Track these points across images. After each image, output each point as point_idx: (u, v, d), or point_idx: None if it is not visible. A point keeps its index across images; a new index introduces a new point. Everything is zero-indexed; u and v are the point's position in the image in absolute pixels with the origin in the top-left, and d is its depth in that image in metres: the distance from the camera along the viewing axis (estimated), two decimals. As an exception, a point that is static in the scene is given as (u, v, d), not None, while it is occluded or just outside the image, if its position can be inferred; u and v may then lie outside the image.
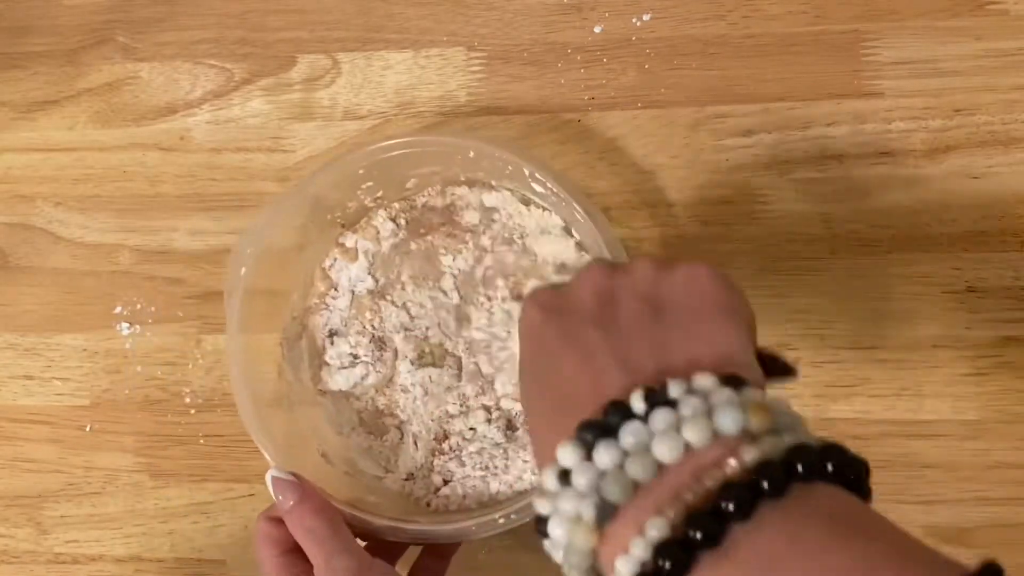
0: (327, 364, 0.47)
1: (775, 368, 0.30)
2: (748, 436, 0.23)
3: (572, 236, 0.46)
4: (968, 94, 0.46)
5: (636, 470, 0.23)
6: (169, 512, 0.50)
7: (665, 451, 0.23)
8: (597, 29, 0.49)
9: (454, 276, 0.46)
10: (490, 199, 0.47)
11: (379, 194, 0.47)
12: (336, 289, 0.47)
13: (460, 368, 0.46)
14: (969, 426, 0.44)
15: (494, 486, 0.44)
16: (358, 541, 0.38)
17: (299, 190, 0.44)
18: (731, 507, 0.21)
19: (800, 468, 0.22)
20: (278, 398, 0.45)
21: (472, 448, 0.45)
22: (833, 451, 0.23)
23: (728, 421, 0.23)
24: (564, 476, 0.25)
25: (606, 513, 0.23)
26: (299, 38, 0.52)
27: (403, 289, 0.47)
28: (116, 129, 0.53)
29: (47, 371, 0.52)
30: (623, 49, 0.49)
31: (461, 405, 0.45)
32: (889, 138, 0.46)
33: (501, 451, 0.44)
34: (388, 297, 0.47)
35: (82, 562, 0.50)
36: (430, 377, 0.45)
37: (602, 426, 0.25)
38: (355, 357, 0.46)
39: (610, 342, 0.28)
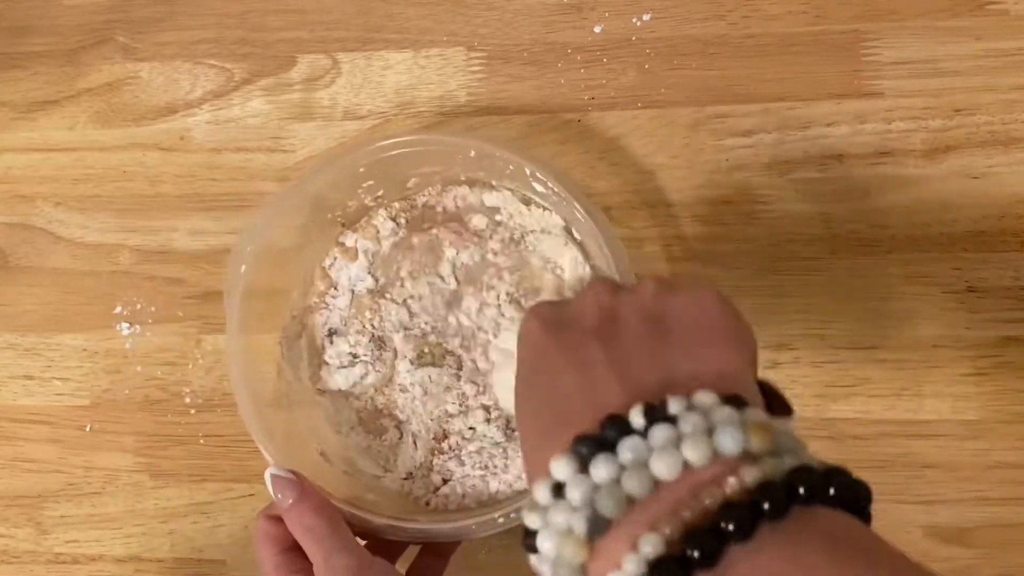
0: (326, 363, 0.47)
1: (773, 403, 0.30)
2: (748, 457, 0.23)
3: (573, 237, 0.46)
4: (968, 94, 0.46)
5: (632, 485, 0.23)
6: (169, 512, 0.50)
7: (663, 467, 0.23)
8: (597, 29, 0.49)
9: (453, 264, 0.46)
10: (491, 199, 0.47)
11: (379, 193, 0.47)
12: (336, 288, 0.47)
13: (460, 367, 0.46)
14: (969, 426, 0.44)
15: (493, 485, 0.44)
16: (357, 540, 0.38)
17: (299, 189, 0.44)
18: (731, 527, 0.21)
19: (802, 490, 0.22)
20: (277, 397, 0.45)
21: (471, 447, 0.45)
22: (835, 474, 0.23)
23: (729, 440, 0.23)
24: (557, 490, 0.24)
25: (598, 527, 0.23)
26: (299, 38, 0.52)
27: (402, 286, 0.47)
28: (116, 129, 0.53)
29: (47, 371, 0.52)
30: (623, 49, 0.49)
31: (460, 404, 0.45)
32: (889, 138, 0.46)
33: (500, 450, 0.44)
34: (388, 295, 0.47)
35: (82, 562, 0.50)
36: (429, 377, 0.45)
37: (599, 440, 0.24)
38: (354, 356, 0.46)
39: (610, 357, 0.28)
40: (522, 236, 0.47)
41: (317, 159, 0.51)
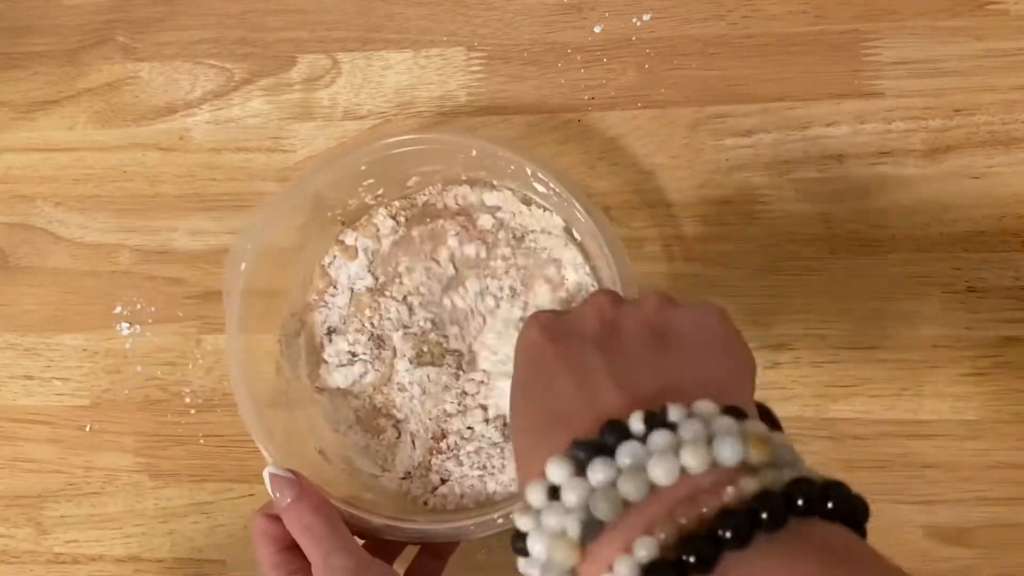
0: (325, 362, 0.47)
1: (764, 422, 0.30)
2: (747, 468, 0.23)
3: (573, 237, 0.46)
4: (968, 94, 0.46)
5: (628, 489, 0.23)
6: (169, 512, 0.50)
7: (661, 473, 0.23)
8: (597, 29, 0.49)
9: (453, 252, 0.46)
10: (491, 198, 0.47)
11: (380, 192, 0.47)
12: (335, 287, 0.47)
13: (459, 366, 0.46)
14: (969, 426, 0.44)
15: (491, 486, 0.44)
16: (356, 539, 0.38)
17: (300, 188, 0.44)
18: (728, 534, 0.21)
19: (800, 502, 0.22)
20: (276, 395, 0.45)
21: (470, 447, 0.45)
22: (834, 488, 0.22)
23: (728, 450, 0.23)
24: (551, 492, 0.24)
25: (592, 531, 0.23)
26: (299, 38, 0.52)
27: (401, 282, 0.47)
28: (116, 129, 0.53)
29: (47, 371, 0.52)
30: (623, 49, 0.49)
31: (459, 404, 0.45)
32: (889, 138, 0.46)
33: (498, 451, 0.44)
34: (387, 293, 0.47)
35: (82, 562, 0.50)
36: (428, 376, 0.45)
37: (597, 445, 0.24)
38: (353, 355, 0.46)
39: (610, 365, 0.28)
40: (523, 236, 0.47)
41: (317, 159, 0.51)
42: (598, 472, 0.24)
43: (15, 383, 0.52)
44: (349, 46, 0.52)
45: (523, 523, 0.25)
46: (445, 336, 0.46)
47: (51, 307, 0.52)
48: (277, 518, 0.38)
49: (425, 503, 0.44)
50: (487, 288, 0.46)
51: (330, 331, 0.47)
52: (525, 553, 0.25)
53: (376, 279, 0.47)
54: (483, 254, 0.46)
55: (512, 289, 0.45)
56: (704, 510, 0.22)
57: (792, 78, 0.47)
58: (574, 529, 0.23)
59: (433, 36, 0.51)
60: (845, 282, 0.46)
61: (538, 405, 0.29)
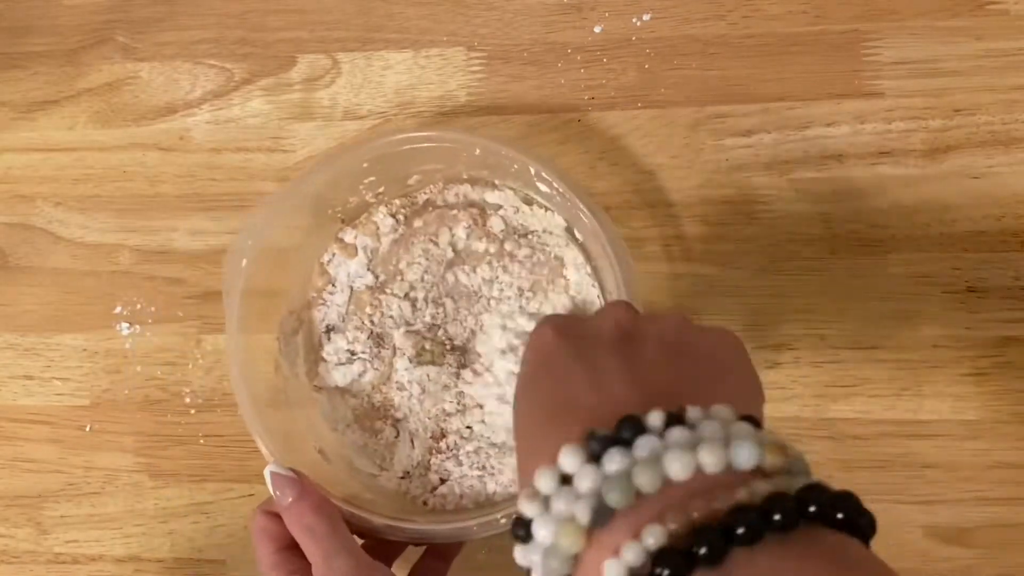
0: (324, 360, 0.47)
1: None
2: (761, 472, 0.23)
3: (575, 237, 0.46)
4: (968, 94, 0.46)
5: (642, 480, 0.23)
6: (169, 512, 0.50)
7: (677, 467, 0.23)
8: (597, 29, 0.49)
9: (453, 235, 0.46)
10: (492, 197, 0.47)
11: (380, 190, 0.47)
12: (333, 285, 0.47)
13: (460, 366, 0.46)
14: (969, 426, 0.44)
15: (491, 486, 0.44)
16: (356, 539, 0.38)
17: (301, 185, 0.44)
18: (740, 530, 0.21)
19: (812, 508, 0.22)
20: (275, 394, 0.45)
21: (469, 447, 0.45)
22: (846, 499, 0.22)
23: (745, 453, 0.23)
24: (562, 481, 0.24)
25: (602, 517, 0.23)
26: (299, 38, 0.52)
27: (403, 279, 0.47)
28: (116, 129, 0.53)
29: (47, 371, 0.52)
30: (623, 49, 0.49)
31: (458, 403, 0.45)
32: (889, 138, 0.46)
33: (496, 450, 0.44)
34: (388, 290, 0.47)
35: (82, 562, 0.50)
36: (428, 375, 0.45)
37: (613, 437, 0.24)
38: (352, 353, 0.46)
39: (626, 367, 0.28)
40: (524, 235, 0.47)
41: (317, 158, 0.51)
42: (614, 461, 0.23)
43: (15, 383, 0.52)
44: (349, 46, 0.52)
45: (528, 509, 0.25)
46: (445, 316, 0.46)
47: (51, 307, 0.52)
48: (277, 516, 0.37)
49: (424, 503, 0.44)
50: (497, 277, 0.46)
51: (329, 329, 0.47)
52: (526, 539, 0.24)
53: (376, 277, 0.47)
54: (492, 249, 0.46)
55: (520, 289, 0.45)
56: (717, 505, 0.22)
57: (792, 78, 0.47)
58: (584, 515, 0.23)
59: (433, 36, 0.51)
60: (845, 282, 0.46)
61: (548, 397, 0.28)
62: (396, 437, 0.46)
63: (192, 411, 0.50)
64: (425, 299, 0.46)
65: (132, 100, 0.53)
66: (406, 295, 0.46)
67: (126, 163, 0.53)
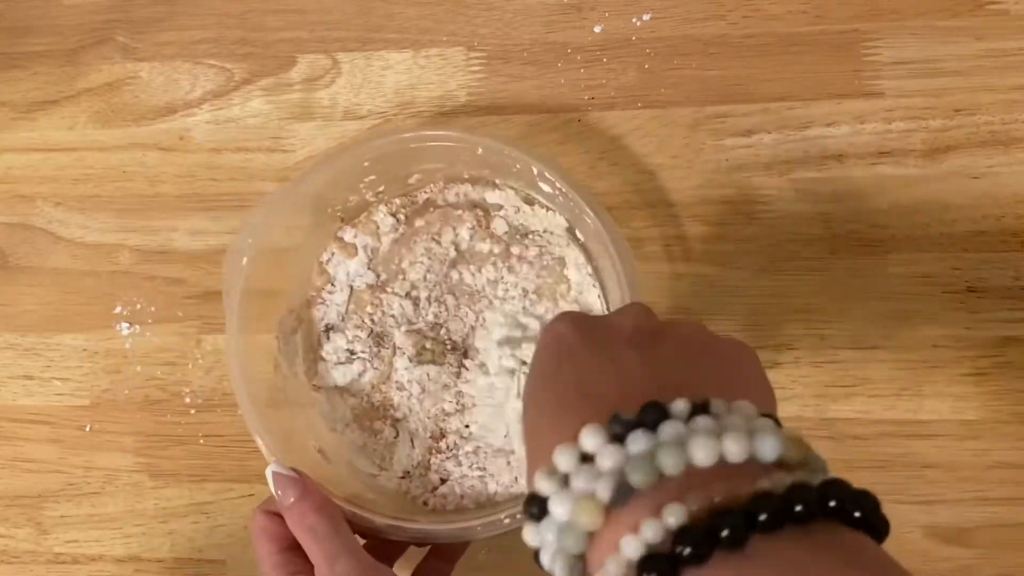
0: (323, 359, 0.47)
1: None
2: (783, 466, 0.23)
3: (576, 238, 0.45)
4: (968, 94, 0.46)
5: (666, 462, 0.22)
6: (169, 512, 0.50)
7: (701, 453, 0.22)
8: (597, 29, 0.49)
9: (457, 235, 0.46)
10: (493, 197, 0.47)
11: (380, 188, 0.47)
12: (333, 284, 0.47)
13: (460, 365, 0.46)
14: (969, 426, 0.44)
15: (492, 487, 0.44)
16: (358, 539, 0.38)
17: (301, 184, 0.43)
18: (763, 516, 0.21)
19: (832, 503, 0.22)
20: (275, 393, 0.45)
21: (468, 448, 0.45)
22: (865, 498, 0.22)
23: (768, 445, 0.23)
24: (582, 460, 0.24)
25: (622, 496, 0.23)
26: (299, 38, 0.52)
27: (405, 278, 0.47)
28: (116, 129, 0.53)
29: (47, 371, 0.52)
30: (623, 49, 0.49)
31: (457, 403, 0.45)
32: (889, 138, 0.46)
33: (493, 450, 0.44)
34: (390, 289, 0.47)
35: (82, 562, 0.50)
36: (428, 375, 0.45)
37: (637, 422, 0.24)
38: (352, 353, 0.46)
39: (646, 362, 0.27)
40: (525, 235, 0.47)
41: (317, 158, 0.51)
42: (639, 442, 0.23)
43: (15, 383, 0.52)
44: (349, 46, 0.52)
45: (545, 486, 0.24)
46: (447, 313, 0.46)
47: (51, 307, 0.52)
48: (278, 515, 0.37)
49: (425, 503, 0.44)
50: (502, 278, 0.46)
51: (328, 328, 0.47)
52: (539, 517, 0.24)
53: (378, 275, 0.47)
54: (496, 250, 0.46)
55: (524, 290, 0.45)
56: (739, 492, 0.22)
57: (792, 78, 0.47)
58: (605, 492, 0.23)
59: (433, 36, 0.51)
60: (845, 282, 0.46)
61: (565, 386, 0.28)
62: (396, 437, 0.46)
63: (192, 411, 0.50)
64: (428, 298, 0.46)
65: (132, 100, 0.53)
66: (407, 294, 0.46)
67: (126, 163, 0.53)
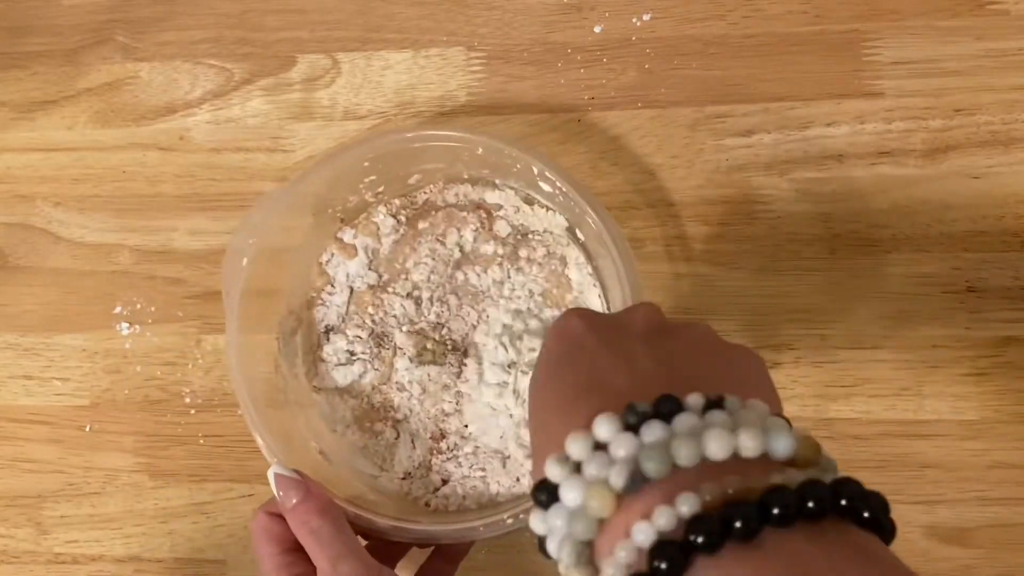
0: (323, 360, 0.47)
1: None
2: (795, 464, 0.23)
3: (576, 237, 0.45)
4: (968, 94, 0.46)
5: (681, 453, 0.22)
6: (169, 512, 0.50)
7: (716, 446, 0.22)
8: (597, 29, 0.49)
9: (460, 237, 0.46)
10: (492, 197, 0.47)
11: (380, 189, 0.47)
12: (332, 285, 0.47)
13: (461, 365, 0.46)
14: (969, 426, 0.44)
15: (494, 487, 0.44)
16: (360, 540, 0.37)
17: (301, 183, 0.43)
18: (776, 510, 0.21)
19: (844, 501, 0.22)
20: (275, 394, 0.45)
21: (467, 449, 0.45)
22: (874, 498, 0.23)
23: (782, 442, 0.23)
24: (595, 448, 0.24)
25: (635, 484, 0.23)
26: (299, 38, 0.52)
27: (407, 278, 0.47)
28: (116, 129, 0.53)
29: (47, 371, 0.52)
30: (623, 49, 0.49)
31: (456, 404, 0.45)
32: (889, 138, 0.46)
33: (493, 452, 0.44)
34: (391, 289, 0.47)
35: (82, 562, 0.50)
36: (428, 375, 0.45)
37: (652, 413, 0.24)
38: (352, 354, 0.46)
39: (658, 358, 0.27)
40: (525, 235, 0.47)
41: (317, 158, 0.51)
42: (653, 432, 0.23)
43: (15, 383, 0.52)
44: (349, 46, 0.52)
45: (556, 472, 0.24)
46: (449, 313, 0.46)
47: (51, 307, 0.52)
48: (279, 516, 0.37)
49: (427, 504, 0.44)
50: (509, 277, 0.46)
51: (328, 330, 0.47)
52: (547, 504, 0.24)
53: (380, 276, 0.47)
54: (501, 251, 0.46)
55: (531, 291, 0.45)
56: (752, 486, 0.22)
57: (792, 78, 0.47)
58: (618, 479, 0.23)
59: (433, 36, 0.51)
60: (845, 282, 0.46)
61: (576, 377, 0.28)
62: (396, 438, 0.46)
63: (192, 411, 0.50)
64: (430, 298, 0.46)
65: (132, 100, 0.53)
66: (408, 294, 0.46)
67: (126, 163, 0.53)
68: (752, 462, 0.23)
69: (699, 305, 0.47)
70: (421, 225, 0.47)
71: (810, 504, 0.21)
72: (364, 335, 0.46)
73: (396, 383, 0.46)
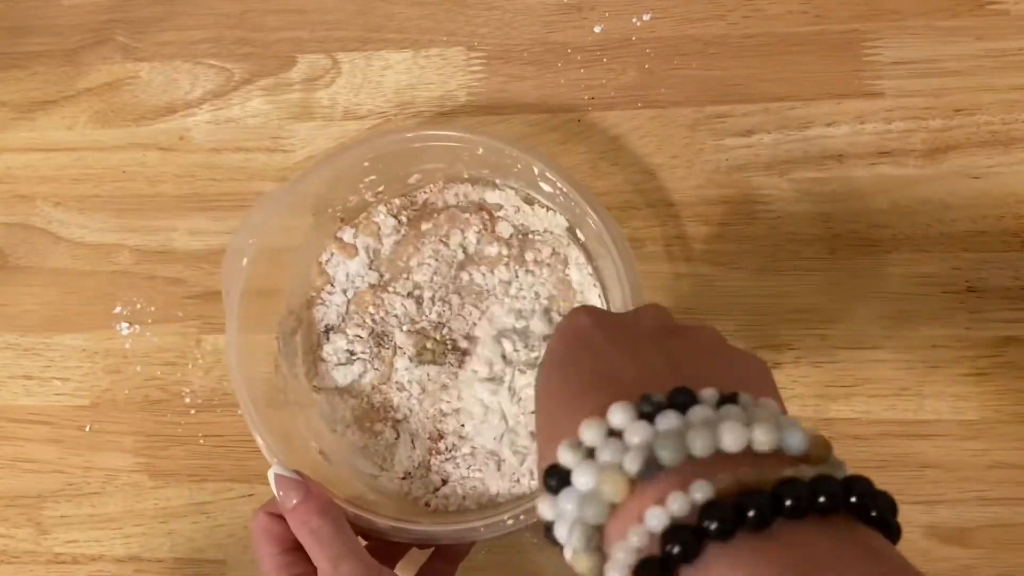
0: (323, 360, 0.47)
1: None
2: (807, 460, 0.23)
3: (576, 238, 0.45)
4: (968, 94, 0.46)
5: (696, 442, 0.23)
6: (169, 512, 0.50)
7: (730, 438, 0.22)
8: (597, 29, 0.49)
9: (464, 235, 0.46)
10: (492, 197, 0.47)
11: (380, 189, 0.47)
12: (332, 284, 0.47)
13: (461, 365, 0.46)
14: (969, 426, 0.44)
15: (494, 488, 0.44)
16: (360, 540, 0.37)
17: (301, 183, 0.43)
18: (788, 502, 0.21)
19: (854, 499, 0.22)
20: (275, 394, 0.45)
21: (465, 449, 0.45)
22: (884, 497, 0.23)
23: (795, 438, 0.23)
24: (609, 436, 0.24)
25: (649, 470, 0.23)
26: (299, 38, 0.52)
27: (409, 277, 0.47)
28: (116, 129, 0.53)
29: (47, 371, 0.52)
30: (623, 49, 0.49)
31: (454, 403, 0.45)
32: (889, 138, 0.46)
33: (491, 453, 0.44)
34: (392, 288, 0.47)
35: (82, 562, 0.50)
36: (428, 375, 0.45)
37: (667, 403, 0.24)
38: (352, 354, 0.46)
39: (666, 356, 0.27)
40: (525, 235, 0.47)
41: (317, 158, 0.51)
42: (669, 421, 0.23)
43: (15, 383, 0.52)
44: (349, 46, 0.52)
45: (568, 458, 0.24)
46: (450, 312, 0.46)
47: (51, 307, 0.52)
48: (279, 516, 0.37)
49: (427, 504, 0.44)
50: (516, 276, 0.46)
51: (328, 329, 0.47)
52: (557, 489, 0.24)
53: (381, 275, 0.47)
54: (505, 252, 0.46)
55: (536, 293, 0.45)
56: (766, 477, 0.22)
57: (792, 78, 0.47)
58: (633, 464, 0.23)
59: (433, 36, 0.51)
60: (845, 282, 0.46)
61: (586, 370, 0.28)
62: (396, 438, 0.46)
63: (192, 411, 0.50)
64: (432, 298, 0.46)
65: (132, 100, 0.53)
66: (410, 293, 0.46)
67: (126, 163, 0.53)
68: (765, 456, 0.23)
69: (699, 305, 0.47)
70: (424, 226, 0.47)
71: (822, 499, 0.21)
72: (364, 334, 0.46)
73: (396, 383, 0.46)
